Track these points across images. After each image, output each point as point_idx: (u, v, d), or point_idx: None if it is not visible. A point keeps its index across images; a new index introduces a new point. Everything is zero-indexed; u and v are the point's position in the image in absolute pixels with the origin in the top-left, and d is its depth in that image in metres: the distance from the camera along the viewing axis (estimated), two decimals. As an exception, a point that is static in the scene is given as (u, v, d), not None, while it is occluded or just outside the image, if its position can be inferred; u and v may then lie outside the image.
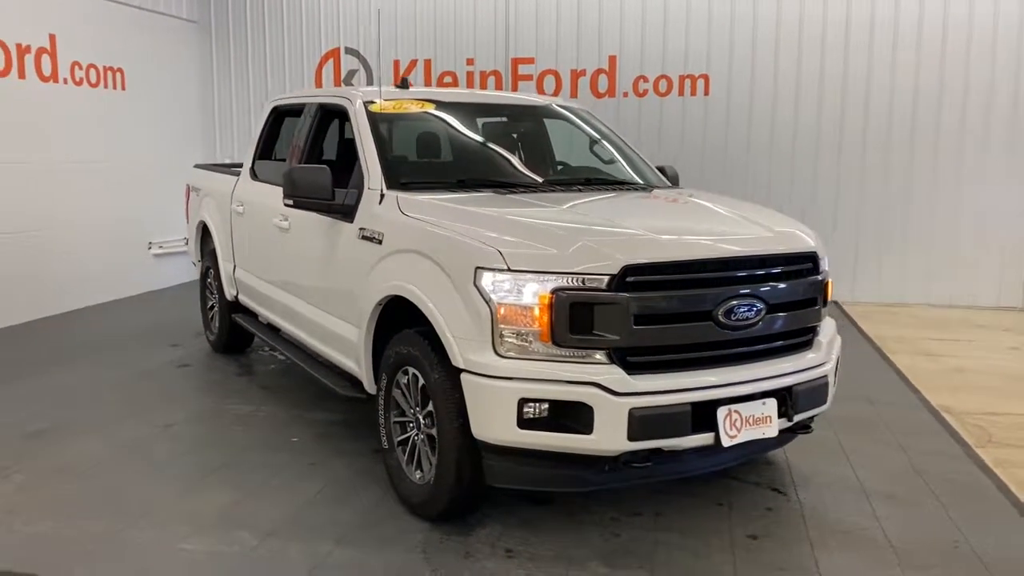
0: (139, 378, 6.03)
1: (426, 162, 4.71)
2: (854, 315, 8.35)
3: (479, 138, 4.92)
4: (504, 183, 4.33)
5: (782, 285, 3.61)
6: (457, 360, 3.37)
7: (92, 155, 8.56)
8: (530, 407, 3.26)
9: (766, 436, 3.51)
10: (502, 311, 3.27)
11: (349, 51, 10.17)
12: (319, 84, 10.22)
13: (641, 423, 3.23)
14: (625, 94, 9.58)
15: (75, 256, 8.30)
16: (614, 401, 3.21)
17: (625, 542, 3.62)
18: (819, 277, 3.80)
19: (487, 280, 3.31)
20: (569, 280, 3.25)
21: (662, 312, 3.31)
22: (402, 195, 4.06)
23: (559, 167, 5.28)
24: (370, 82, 10.09)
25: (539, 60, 9.74)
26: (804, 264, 3.77)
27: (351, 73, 10.18)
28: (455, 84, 9.92)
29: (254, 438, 4.81)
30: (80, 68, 8.38)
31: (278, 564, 3.41)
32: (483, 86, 9.86)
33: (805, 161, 9.21)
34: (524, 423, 3.26)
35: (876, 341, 7.29)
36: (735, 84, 9.28)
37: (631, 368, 3.28)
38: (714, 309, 3.37)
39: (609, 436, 3.24)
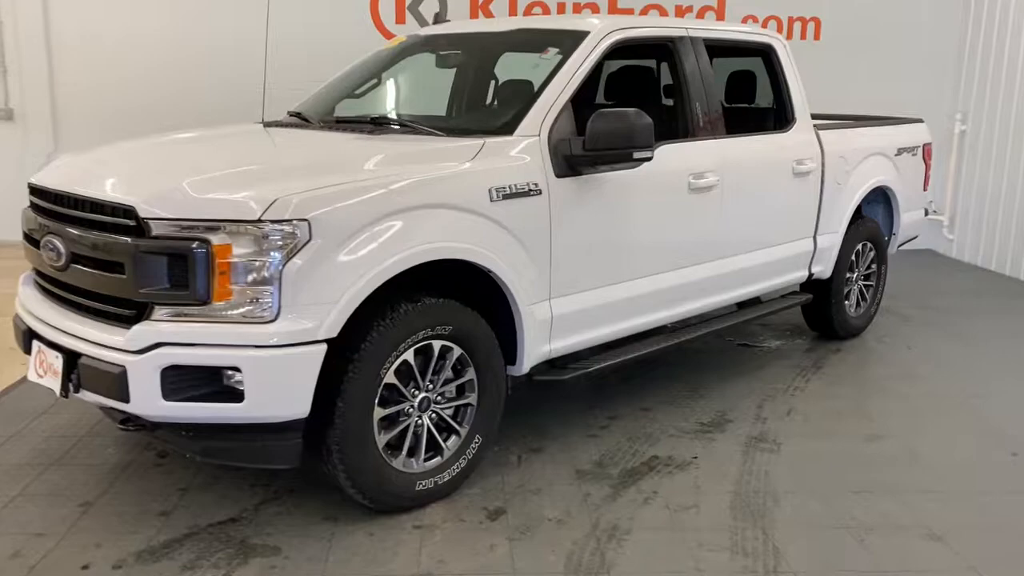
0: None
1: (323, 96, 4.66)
2: None
3: (390, 74, 4.79)
4: (308, 120, 4.28)
5: (79, 235, 3.09)
6: None
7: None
8: None
9: (54, 390, 3.13)
10: None
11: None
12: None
13: (16, 328, 3.54)
14: None
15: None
16: None
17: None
18: (127, 239, 2.89)
19: None
20: None
21: (28, 234, 3.46)
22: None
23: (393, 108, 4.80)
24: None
25: None
26: (111, 218, 2.96)
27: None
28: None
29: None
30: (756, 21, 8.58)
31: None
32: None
33: None
34: None
35: None
36: None
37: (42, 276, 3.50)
38: (41, 240, 3.27)
39: None
